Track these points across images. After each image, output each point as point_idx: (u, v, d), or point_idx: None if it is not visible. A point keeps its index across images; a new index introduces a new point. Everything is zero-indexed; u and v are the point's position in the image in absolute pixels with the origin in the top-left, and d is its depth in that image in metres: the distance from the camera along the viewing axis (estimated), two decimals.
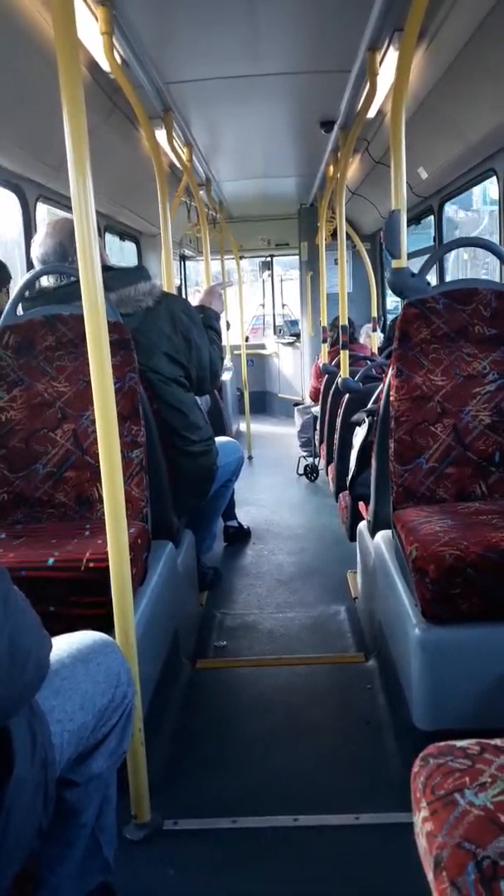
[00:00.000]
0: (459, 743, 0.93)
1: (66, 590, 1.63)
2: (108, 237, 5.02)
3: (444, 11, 2.35)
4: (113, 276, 2.26)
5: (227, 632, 2.64)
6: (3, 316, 2.14)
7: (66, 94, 1.27)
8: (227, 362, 6.60)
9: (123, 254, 5.75)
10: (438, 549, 1.62)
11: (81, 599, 1.62)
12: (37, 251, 2.27)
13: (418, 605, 1.68)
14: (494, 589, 1.60)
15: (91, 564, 1.62)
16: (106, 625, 1.42)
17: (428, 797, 0.86)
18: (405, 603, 1.77)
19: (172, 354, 2.35)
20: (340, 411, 3.45)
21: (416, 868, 0.83)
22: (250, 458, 5.92)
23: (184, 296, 7.95)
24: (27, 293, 2.21)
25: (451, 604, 1.62)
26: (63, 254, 2.21)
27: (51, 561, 1.64)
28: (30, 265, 3.19)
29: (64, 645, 1.17)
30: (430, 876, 0.78)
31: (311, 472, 5.05)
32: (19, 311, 2.16)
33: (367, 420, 2.61)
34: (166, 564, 2.10)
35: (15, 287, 2.21)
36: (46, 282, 2.32)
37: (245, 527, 3.79)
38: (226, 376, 5.65)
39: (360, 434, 2.68)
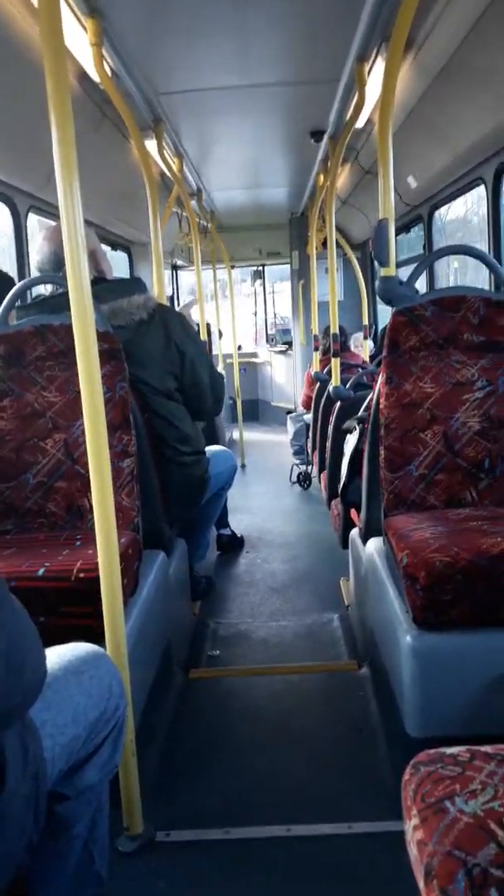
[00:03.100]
0: (450, 750, 0.93)
1: (57, 600, 1.62)
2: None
3: (431, 22, 2.38)
4: (106, 288, 2.26)
5: (220, 641, 2.63)
6: None
7: (53, 105, 1.28)
8: (220, 370, 6.60)
9: (115, 263, 5.75)
10: (429, 555, 1.63)
11: (72, 610, 1.61)
12: (34, 257, 2.27)
13: (409, 611, 1.68)
14: (485, 595, 1.60)
15: (81, 575, 1.61)
16: (97, 635, 1.42)
17: (418, 805, 0.85)
18: (397, 610, 1.77)
19: (166, 367, 2.35)
20: (332, 419, 3.46)
21: (409, 877, 0.83)
22: (243, 466, 5.92)
23: (177, 306, 7.97)
24: (19, 301, 2.21)
25: (441, 610, 1.62)
26: (57, 263, 2.19)
27: (41, 571, 1.63)
28: (20, 275, 3.20)
29: (55, 657, 1.16)
30: (420, 884, 0.78)
31: (303, 480, 5.06)
32: (13, 320, 2.16)
33: (357, 427, 2.62)
34: (158, 574, 2.09)
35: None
36: (45, 289, 2.32)
37: (238, 535, 3.78)
38: None
39: (350, 441, 2.68)
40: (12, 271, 3.24)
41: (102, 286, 2.26)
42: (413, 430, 2.07)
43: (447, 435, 2.06)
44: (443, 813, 0.82)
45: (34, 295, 2.39)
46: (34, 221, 3.38)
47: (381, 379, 2.15)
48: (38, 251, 2.26)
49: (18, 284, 2.19)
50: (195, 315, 4.71)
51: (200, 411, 2.57)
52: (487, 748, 0.92)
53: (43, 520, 2.05)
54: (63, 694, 1.10)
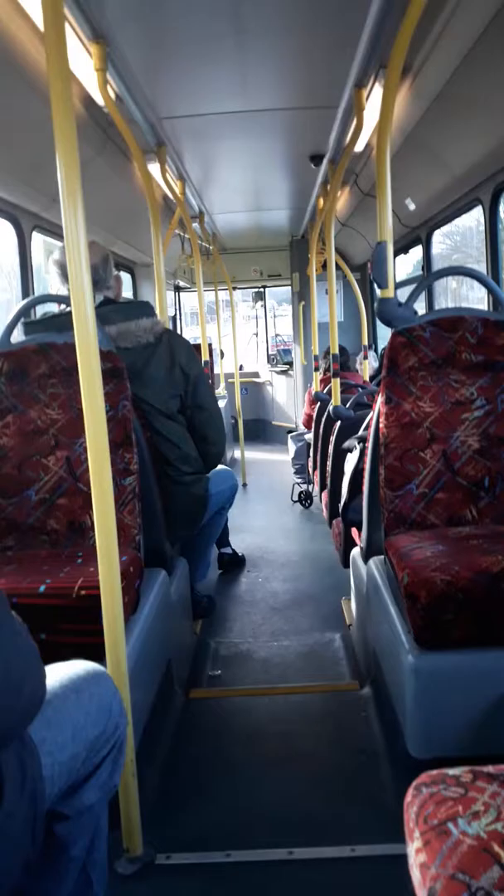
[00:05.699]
0: (452, 771, 0.92)
1: (58, 618, 1.61)
2: None
3: (428, 48, 2.42)
4: (115, 310, 2.29)
5: (221, 661, 2.61)
6: None
7: (58, 127, 1.30)
8: (221, 390, 6.63)
9: None
10: (430, 574, 1.62)
11: (73, 628, 1.61)
12: (53, 270, 2.31)
13: (411, 631, 1.67)
14: (485, 613, 1.60)
15: (83, 592, 1.61)
16: (98, 654, 1.41)
17: (421, 827, 0.84)
18: (398, 629, 1.76)
19: (169, 389, 2.37)
20: (333, 438, 3.47)
21: None
22: (244, 485, 5.92)
23: (179, 327, 8.03)
24: (23, 319, 2.23)
25: (443, 630, 1.61)
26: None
27: (42, 588, 1.63)
28: (25, 293, 3.23)
29: (55, 675, 1.16)
30: None
31: (305, 499, 5.05)
32: (17, 337, 2.17)
33: (358, 446, 2.63)
34: (159, 592, 2.09)
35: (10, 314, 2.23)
36: (57, 307, 2.35)
37: (239, 554, 3.77)
38: (220, 404, 5.68)
39: (351, 461, 2.69)
40: (17, 290, 3.28)
41: (111, 308, 2.30)
42: (413, 449, 2.07)
43: (447, 454, 2.06)
44: (446, 835, 0.81)
45: (43, 312, 2.41)
46: (39, 241, 3.42)
47: (380, 398, 2.16)
48: (55, 265, 2.29)
49: (23, 302, 2.22)
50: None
51: (206, 440, 2.57)
52: (490, 768, 0.91)
53: (44, 537, 2.05)
54: (62, 712, 1.10)
